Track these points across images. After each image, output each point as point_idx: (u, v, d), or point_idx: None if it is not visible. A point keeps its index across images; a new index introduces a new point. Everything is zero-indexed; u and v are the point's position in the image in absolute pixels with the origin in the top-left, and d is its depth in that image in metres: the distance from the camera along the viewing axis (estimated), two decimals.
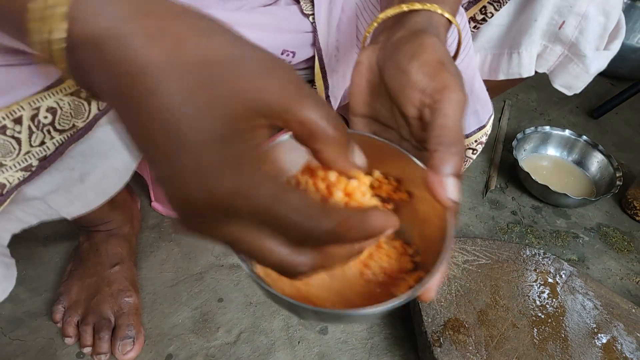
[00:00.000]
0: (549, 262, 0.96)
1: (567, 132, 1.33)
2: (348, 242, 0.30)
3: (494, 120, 0.85)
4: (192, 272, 0.97)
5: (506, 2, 0.75)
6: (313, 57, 0.63)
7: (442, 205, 0.37)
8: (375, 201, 0.38)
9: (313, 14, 0.60)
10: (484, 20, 0.78)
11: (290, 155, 0.37)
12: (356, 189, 0.34)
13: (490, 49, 0.84)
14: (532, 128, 1.32)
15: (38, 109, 0.44)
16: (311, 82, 0.67)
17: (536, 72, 0.84)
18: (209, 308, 0.91)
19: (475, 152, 0.77)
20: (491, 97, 0.74)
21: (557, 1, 0.76)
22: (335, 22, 0.63)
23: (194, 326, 0.89)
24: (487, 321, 0.84)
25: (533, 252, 0.98)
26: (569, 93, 0.85)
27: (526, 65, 0.82)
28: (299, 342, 0.88)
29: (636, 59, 1.60)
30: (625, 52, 1.49)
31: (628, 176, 1.33)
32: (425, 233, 0.42)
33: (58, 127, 0.47)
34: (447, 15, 0.45)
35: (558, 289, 0.92)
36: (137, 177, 1.05)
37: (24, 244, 0.97)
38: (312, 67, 0.64)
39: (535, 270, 0.94)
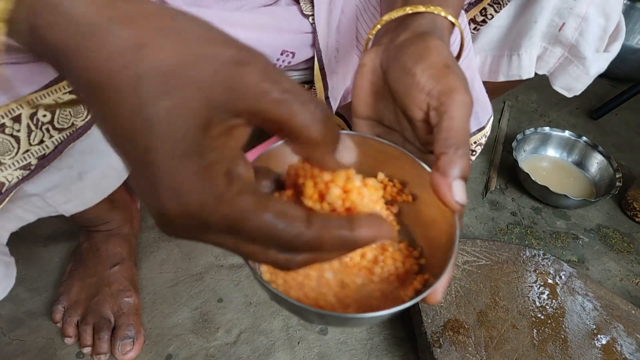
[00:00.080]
0: (549, 263, 0.96)
1: (567, 133, 1.33)
2: (332, 251, 0.30)
3: (493, 121, 0.85)
4: (192, 272, 0.97)
5: (506, 4, 0.75)
6: (313, 58, 0.64)
7: (449, 208, 0.37)
8: (374, 204, 0.37)
9: (313, 15, 0.60)
10: (484, 21, 0.78)
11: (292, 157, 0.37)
12: (355, 187, 0.34)
13: (490, 51, 0.84)
14: (532, 129, 1.32)
15: (37, 107, 0.44)
16: (311, 83, 0.67)
17: (536, 73, 0.84)
18: (208, 308, 0.91)
19: (474, 153, 0.77)
20: (491, 99, 0.74)
21: (557, 3, 0.76)
22: (335, 23, 0.63)
23: (193, 326, 0.89)
24: (487, 322, 0.84)
25: (533, 253, 0.98)
26: (568, 95, 0.85)
27: (526, 67, 0.82)
28: (298, 343, 0.88)
29: (636, 60, 1.60)
30: (625, 53, 1.48)
31: (628, 177, 1.33)
32: (430, 235, 0.42)
33: (57, 125, 0.47)
34: (450, 18, 0.45)
35: (558, 290, 0.92)
36: None
37: (24, 243, 0.97)
38: (312, 68, 0.64)
39: (535, 271, 0.94)
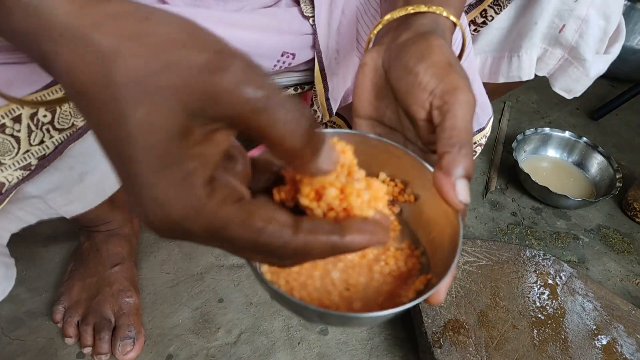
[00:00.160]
0: (549, 264, 0.96)
1: (567, 134, 1.33)
2: (322, 256, 0.29)
3: (493, 121, 0.85)
4: (193, 272, 0.97)
5: (507, 6, 0.75)
6: (313, 60, 0.64)
7: (453, 207, 0.37)
8: (376, 202, 0.37)
9: (313, 17, 0.60)
10: (484, 23, 0.78)
11: None
12: (355, 189, 0.33)
13: (490, 52, 0.84)
14: (532, 129, 1.32)
15: (37, 107, 0.45)
16: (311, 84, 0.67)
17: (536, 75, 0.84)
18: (209, 308, 0.92)
19: (474, 154, 0.77)
20: (491, 100, 0.74)
21: (557, 5, 0.76)
22: (335, 25, 0.63)
23: (194, 326, 0.89)
24: (487, 322, 0.84)
25: (533, 254, 0.98)
26: (568, 96, 0.85)
27: (526, 69, 0.82)
28: (299, 343, 0.88)
29: (636, 61, 1.60)
30: (625, 54, 1.48)
31: (628, 177, 1.33)
32: (432, 235, 0.42)
33: (57, 126, 0.47)
34: (452, 18, 0.45)
35: (558, 290, 0.92)
36: None
37: (24, 243, 0.97)
38: (312, 70, 0.64)
39: (535, 271, 0.95)
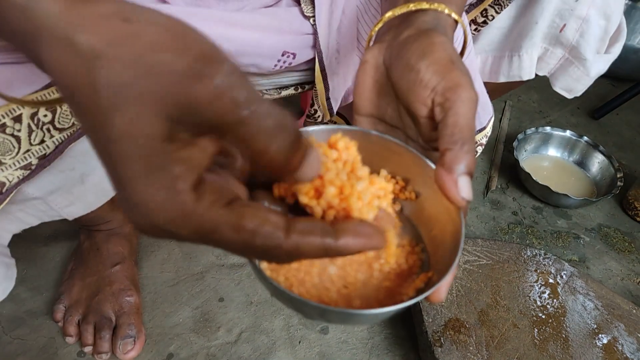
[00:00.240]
0: (550, 263, 0.96)
1: (568, 133, 1.33)
2: (315, 258, 0.29)
3: (494, 121, 0.85)
4: (193, 271, 0.97)
5: (507, 5, 0.75)
6: (314, 59, 0.63)
7: (455, 204, 0.37)
8: (379, 200, 0.37)
9: (314, 16, 0.60)
10: (485, 22, 0.78)
11: None
12: (355, 192, 0.33)
13: (491, 52, 0.84)
14: (533, 129, 1.32)
15: (37, 107, 0.45)
16: (312, 83, 0.67)
17: (537, 74, 0.84)
18: (209, 307, 0.92)
19: (475, 153, 0.77)
20: (492, 99, 0.74)
21: (558, 4, 0.76)
22: (335, 25, 0.63)
23: (194, 325, 0.89)
24: (488, 321, 0.84)
25: (534, 253, 0.98)
26: (569, 96, 0.85)
27: (527, 68, 0.82)
28: (299, 342, 0.88)
29: (637, 60, 1.60)
30: (626, 53, 1.49)
31: (629, 177, 1.33)
32: (433, 232, 0.42)
33: (58, 125, 0.47)
34: (454, 15, 0.45)
35: (559, 290, 0.92)
36: None
37: (24, 243, 0.97)
38: (313, 69, 0.64)
39: (536, 270, 0.94)
